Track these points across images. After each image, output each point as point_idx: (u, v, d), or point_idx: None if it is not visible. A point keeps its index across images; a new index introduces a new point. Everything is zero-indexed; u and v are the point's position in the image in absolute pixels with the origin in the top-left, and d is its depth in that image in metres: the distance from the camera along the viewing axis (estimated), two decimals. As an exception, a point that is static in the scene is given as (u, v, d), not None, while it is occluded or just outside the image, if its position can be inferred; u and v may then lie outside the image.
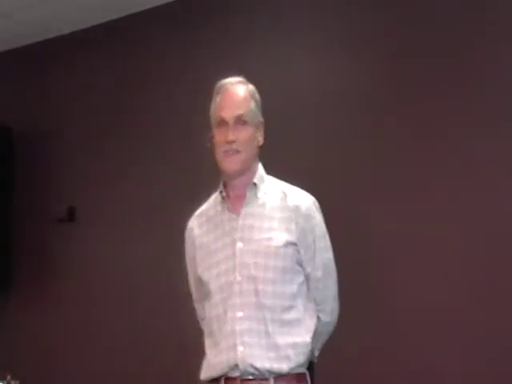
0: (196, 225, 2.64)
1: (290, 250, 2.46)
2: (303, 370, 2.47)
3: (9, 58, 5.37)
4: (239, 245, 2.48)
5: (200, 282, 2.58)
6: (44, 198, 5.17)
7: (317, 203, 2.59)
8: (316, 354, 2.56)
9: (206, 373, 2.54)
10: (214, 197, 2.64)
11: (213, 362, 2.51)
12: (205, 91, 4.41)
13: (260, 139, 2.58)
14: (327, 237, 2.58)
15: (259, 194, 2.54)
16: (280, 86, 3.97)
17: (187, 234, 2.67)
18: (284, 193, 2.54)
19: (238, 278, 2.46)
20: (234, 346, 2.43)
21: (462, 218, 3.46)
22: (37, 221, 5.15)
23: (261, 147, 2.59)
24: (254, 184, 2.54)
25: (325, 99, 3.90)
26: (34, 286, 5.08)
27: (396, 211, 3.63)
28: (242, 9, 4.27)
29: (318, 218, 2.56)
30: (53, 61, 5.19)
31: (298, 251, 2.48)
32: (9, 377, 4.12)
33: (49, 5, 4.64)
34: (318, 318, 2.54)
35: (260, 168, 2.60)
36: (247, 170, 2.54)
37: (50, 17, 4.81)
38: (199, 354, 4.18)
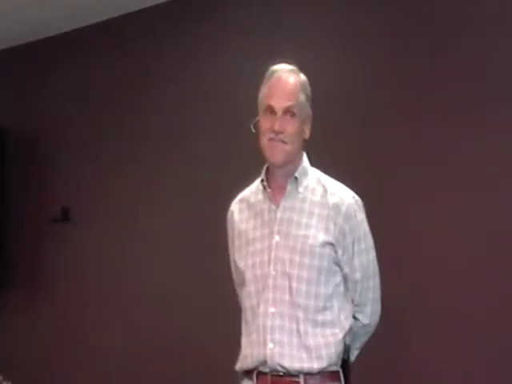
0: (237, 210, 2.61)
1: (327, 249, 2.42)
2: (336, 368, 2.43)
3: (4, 57, 5.36)
4: (276, 238, 2.45)
5: (238, 268, 2.57)
6: (38, 198, 5.16)
7: (360, 202, 2.53)
8: (355, 353, 2.54)
9: (239, 364, 2.53)
10: (257, 184, 2.59)
11: (245, 354, 2.49)
12: (204, 90, 4.46)
13: (307, 132, 2.54)
14: (369, 237, 2.52)
15: (300, 188, 2.49)
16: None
17: (228, 217, 2.65)
18: (325, 189, 2.49)
19: (273, 273, 2.43)
20: (265, 342, 2.41)
21: (462, 218, 3.44)
22: (31, 221, 5.13)
23: (306, 140, 2.56)
24: (295, 178, 2.50)
25: (324, 99, 3.87)
26: (28, 286, 5.06)
27: (395, 211, 3.62)
28: (241, 8, 4.26)
29: (360, 217, 2.50)
30: (48, 60, 5.18)
31: (336, 251, 2.43)
32: (1, 377, 4.09)
33: (46, 4, 4.63)
34: (357, 319, 2.49)
35: (304, 160, 2.56)
36: (291, 162, 2.50)
37: (47, 16, 4.80)
38: (197, 354, 4.20)
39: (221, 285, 4.16)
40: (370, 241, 2.52)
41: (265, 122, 2.48)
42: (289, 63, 2.57)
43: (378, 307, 2.54)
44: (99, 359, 4.64)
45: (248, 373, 2.46)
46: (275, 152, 2.46)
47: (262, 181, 2.54)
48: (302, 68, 3.95)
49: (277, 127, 2.44)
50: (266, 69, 3.95)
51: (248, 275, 2.50)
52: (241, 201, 2.62)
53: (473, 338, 3.35)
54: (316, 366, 2.38)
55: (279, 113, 2.46)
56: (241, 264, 2.53)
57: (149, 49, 4.67)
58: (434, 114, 3.53)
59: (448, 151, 3.50)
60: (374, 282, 2.52)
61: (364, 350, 2.60)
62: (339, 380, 2.43)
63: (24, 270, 5.08)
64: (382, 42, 3.72)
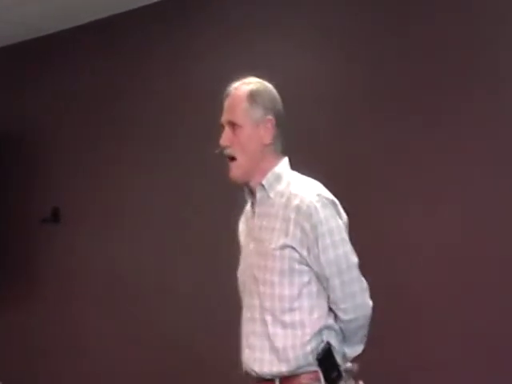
0: (241, 222, 2.68)
1: (286, 252, 2.42)
2: (314, 367, 2.40)
3: (-6, 57, 5.35)
4: (251, 245, 2.52)
5: None
6: (28, 198, 5.15)
7: (325, 199, 2.46)
8: (358, 349, 2.50)
9: None
10: None
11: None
12: (197, 90, 4.45)
13: (265, 137, 2.50)
14: (336, 232, 2.44)
15: (271, 194, 2.49)
16: (278, 85, 3.94)
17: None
18: (290, 191, 2.48)
19: (247, 279, 2.51)
20: (243, 348, 2.49)
21: (461, 218, 3.46)
22: (21, 221, 5.12)
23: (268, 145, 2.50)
24: (262, 185, 2.50)
25: (323, 98, 3.89)
26: (18, 287, 5.05)
27: (392, 211, 3.64)
28: (239, 6, 4.25)
29: (322, 214, 2.43)
30: (38, 60, 5.17)
31: (299, 253, 2.42)
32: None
33: (36, 4, 4.62)
34: (338, 316, 2.45)
35: (278, 166, 2.52)
36: (256, 173, 2.50)
37: (38, 16, 4.80)
38: (185, 354, 4.21)
39: (209, 284, 4.20)
40: (337, 236, 2.44)
41: None
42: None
43: (362, 300, 2.47)
44: (90, 358, 4.65)
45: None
46: (231, 172, 2.52)
47: (246, 193, 2.58)
48: (300, 68, 3.99)
49: (220, 141, 2.52)
50: (261, 69, 3.99)
51: (239, 282, 2.60)
52: (244, 214, 2.68)
53: (459, 338, 3.40)
54: (284, 369, 2.39)
55: (226, 127, 2.52)
56: (237, 273, 2.62)
57: (140, 48, 4.68)
58: (434, 114, 3.54)
59: (445, 151, 3.50)
60: (351, 276, 2.45)
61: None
62: (318, 380, 2.41)
63: (14, 270, 5.07)
64: (382, 43, 3.73)
